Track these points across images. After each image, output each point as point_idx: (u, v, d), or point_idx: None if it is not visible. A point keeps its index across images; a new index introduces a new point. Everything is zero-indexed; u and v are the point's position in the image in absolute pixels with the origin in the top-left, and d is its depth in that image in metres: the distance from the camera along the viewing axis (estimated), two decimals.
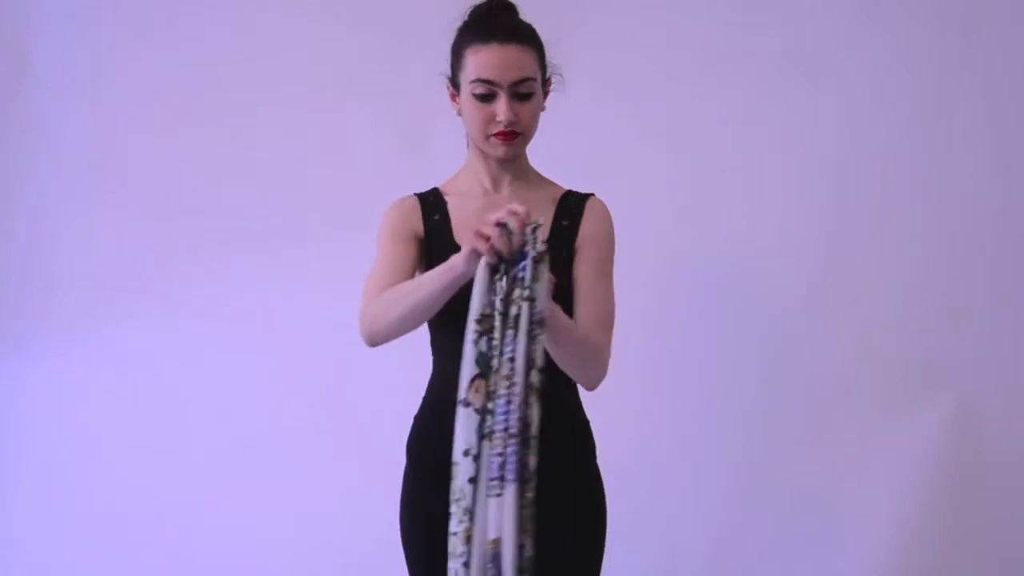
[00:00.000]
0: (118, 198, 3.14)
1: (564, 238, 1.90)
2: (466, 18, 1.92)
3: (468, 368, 1.59)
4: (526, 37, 1.88)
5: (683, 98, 2.94)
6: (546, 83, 1.93)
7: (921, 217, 2.87)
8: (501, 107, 1.83)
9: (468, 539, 1.58)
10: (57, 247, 3.17)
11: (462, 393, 1.59)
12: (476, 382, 1.60)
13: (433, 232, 1.93)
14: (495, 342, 1.57)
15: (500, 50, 1.82)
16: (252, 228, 3.07)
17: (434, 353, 1.99)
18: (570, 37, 2.89)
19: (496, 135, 1.86)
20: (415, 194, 2.01)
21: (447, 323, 1.79)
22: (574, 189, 2.01)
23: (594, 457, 1.98)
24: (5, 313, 3.20)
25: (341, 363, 2.95)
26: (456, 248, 1.84)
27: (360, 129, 3.04)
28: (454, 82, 1.92)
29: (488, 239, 1.57)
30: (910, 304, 2.87)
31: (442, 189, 2.00)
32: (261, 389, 3.05)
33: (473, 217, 1.89)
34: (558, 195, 1.97)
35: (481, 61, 1.83)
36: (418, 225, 1.94)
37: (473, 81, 1.84)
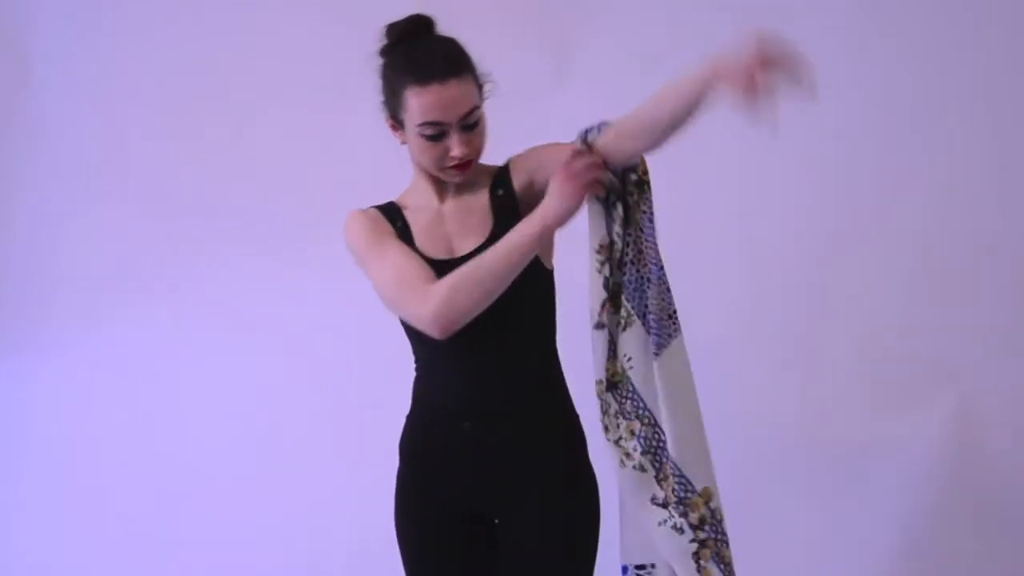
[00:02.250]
0: (118, 198, 3.14)
1: (506, 206, 1.87)
2: (387, 41, 1.86)
3: (597, 294, 1.86)
4: (461, 66, 1.81)
5: None
6: (483, 94, 1.87)
7: (921, 217, 2.87)
8: (454, 144, 1.79)
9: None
10: (57, 247, 3.18)
11: (595, 317, 1.85)
12: (606, 305, 1.86)
13: (399, 236, 1.90)
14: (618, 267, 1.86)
15: (441, 90, 1.77)
16: (252, 228, 3.07)
17: (417, 353, 1.96)
18: (570, 37, 2.92)
19: (451, 167, 1.83)
20: (373, 206, 1.97)
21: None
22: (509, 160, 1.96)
23: (584, 449, 1.95)
24: (5, 313, 3.20)
25: (342, 361, 2.96)
26: (419, 253, 1.84)
27: (360, 129, 3.03)
28: (394, 116, 1.87)
29: (592, 173, 1.75)
30: (910, 304, 2.87)
31: (398, 202, 1.97)
32: (261, 388, 3.05)
33: (426, 229, 1.88)
34: (492, 177, 1.92)
35: (425, 104, 1.78)
36: (388, 226, 1.92)
37: (421, 124, 1.80)
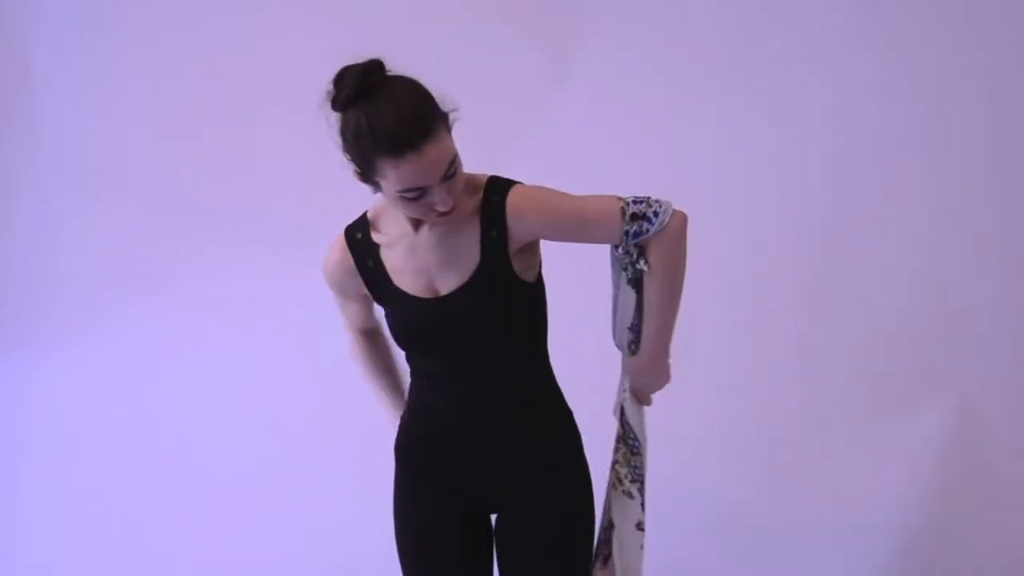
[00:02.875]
0: (118, 198, 3.14)
1: (496, 247, 1.80)
2: (340, 94, 1.72)
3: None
4: (431, 122, 1.68)
5: (683, 97, 2.94)
6: (451, 125, 1.76)
7: (922, 217, 2.87)
8: (438, 200, 1.71)
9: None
10: (57, 247, 3.18)
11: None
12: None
13: (371, 278, 1.88)
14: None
15: (418, 158, 1.66)
16: (252, 228, 3.07)
17: (410, 363, 1.96)
18: (570, 37, 2.92)
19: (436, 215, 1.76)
20: (345, 232, 1.95)
21: (416, 344, 1.87)
22: (496, 176, 1.86)
23: (578, 444, 1.94)
24: (5, 312, 3.21)
25: (342, 362, 2.95)
26: (398, 291, 1.83)
27: None
28: (365, 176, 1.77)
29: None
30: (910, 304, 2.87)
31: (371, 221, 1.92)
32: (261, 388, 3.05)
33: (402, 263, 1.85)
34: (478, 203, 1.82)
35: (403, 174, 1.68)
36: (356, 281, 1.89)
37: (402, 191, 1.70)
